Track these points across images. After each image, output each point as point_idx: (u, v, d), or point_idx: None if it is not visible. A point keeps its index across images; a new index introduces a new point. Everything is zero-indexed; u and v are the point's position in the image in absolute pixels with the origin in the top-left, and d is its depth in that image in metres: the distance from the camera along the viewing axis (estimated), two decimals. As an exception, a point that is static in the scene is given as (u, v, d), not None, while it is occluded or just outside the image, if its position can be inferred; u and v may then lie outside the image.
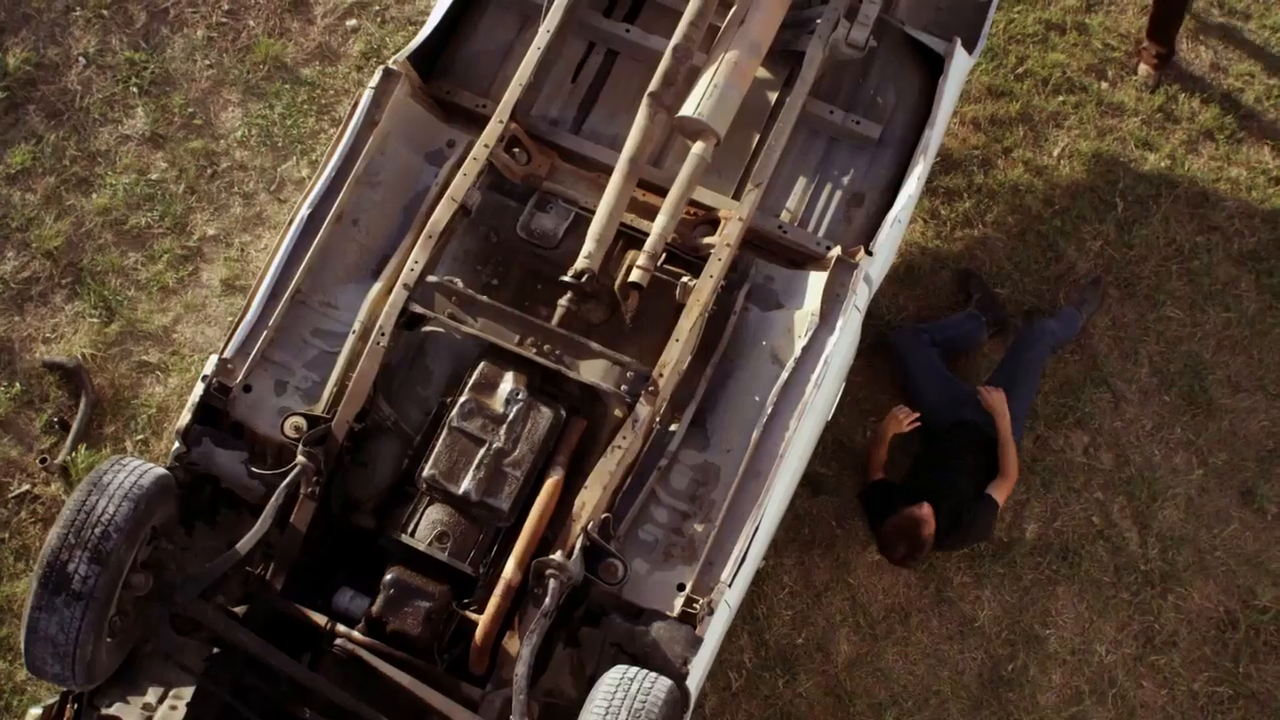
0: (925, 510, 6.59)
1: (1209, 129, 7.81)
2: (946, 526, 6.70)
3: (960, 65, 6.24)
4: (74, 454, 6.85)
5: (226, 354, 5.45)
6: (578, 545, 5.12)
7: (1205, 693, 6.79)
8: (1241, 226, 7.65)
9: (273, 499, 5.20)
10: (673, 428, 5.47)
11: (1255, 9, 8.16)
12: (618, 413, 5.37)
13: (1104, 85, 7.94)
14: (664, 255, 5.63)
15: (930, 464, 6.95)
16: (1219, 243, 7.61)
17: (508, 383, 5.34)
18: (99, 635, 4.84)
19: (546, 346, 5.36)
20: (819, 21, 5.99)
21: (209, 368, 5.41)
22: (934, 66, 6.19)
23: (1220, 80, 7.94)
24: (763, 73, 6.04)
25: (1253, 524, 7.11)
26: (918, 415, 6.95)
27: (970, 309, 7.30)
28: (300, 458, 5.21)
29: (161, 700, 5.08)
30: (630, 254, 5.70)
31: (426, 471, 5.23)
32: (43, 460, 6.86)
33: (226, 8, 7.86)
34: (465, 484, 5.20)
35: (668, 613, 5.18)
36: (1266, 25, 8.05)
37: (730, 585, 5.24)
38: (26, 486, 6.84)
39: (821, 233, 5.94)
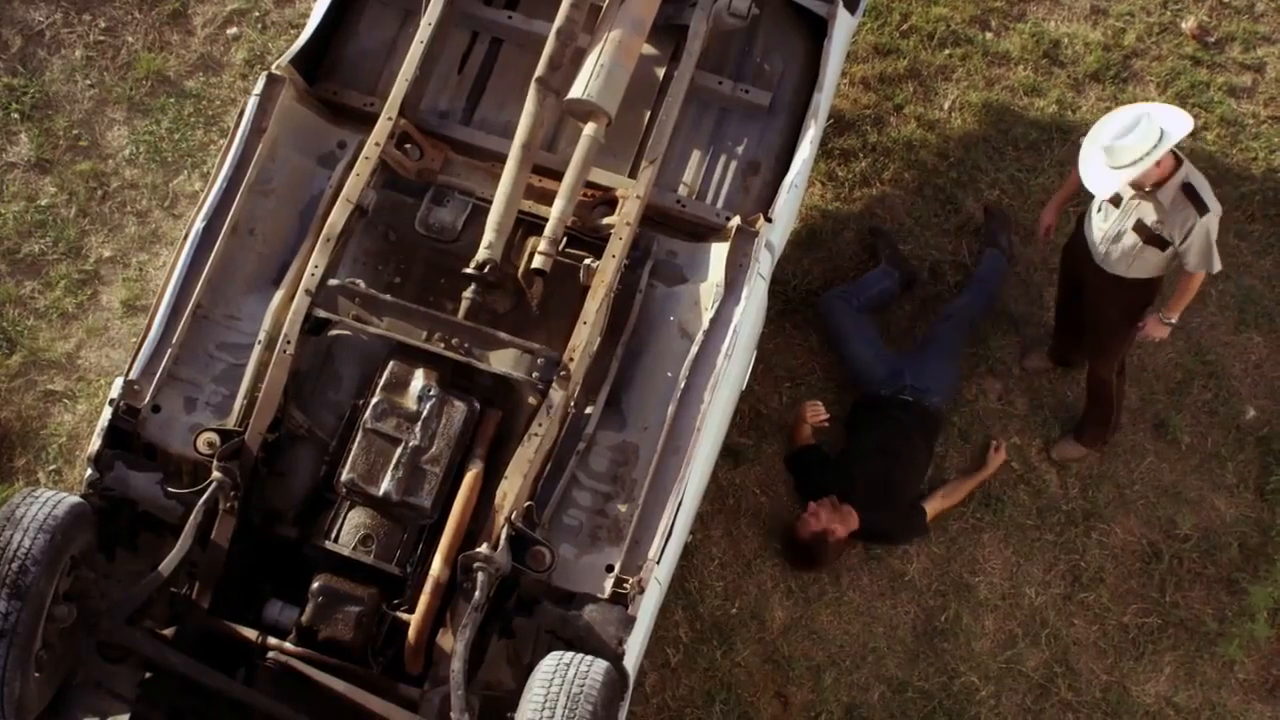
0: (817, 528, 6.71)
1: (1094, 71, 7.89)
2: (876, 534, 6.85)
3: (844, 26, 6.28)
4: (-14, 490, 6.75)
5: (132, 375, 5.39)
6: (503, 536, 5.12)
7: (1135, 625, 6.89)
8: (1133, 164, 7.73)
9: (192, 517, 5.16)
10: (588, 410, 5.47)
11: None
12: (531, 400, 5.36)
13: (989, 36, 8.00)
14: (565, 239, 5.63)
15: (873, 441, 6.91)
16: (1112, 182, 7.69)
17: (419, 380, 5.31)
18: (26, 672, 4.78)
19: (455, 340, 5.34)
20: (700, -7, 6.01)
21: (115, 391, 5.35)
22: (818, 30, 6.22)
23: (1102, 21, 8.02)
24: (648, 49, 6.05)
25: (1168, 455, 7.21)
26: (827, 416, 6.95)
27: (882, 266, 7.30)
28: (216, 473, 5.17)
29: (97, 730, 5.04)
30: (531, 241, 5.69)
31: (345, 476, 5.20)
32: (-45, 499, 6.76)
33: (103, 25, 7.74)
34: (385, 485, 5.18)
35: (599, 595, 5.20)
36: (1141, -36, 8.16)
37: (659, 562, 5.26)
38: (-60, 527, 6.73)
39: (720, 204, 5.96)
